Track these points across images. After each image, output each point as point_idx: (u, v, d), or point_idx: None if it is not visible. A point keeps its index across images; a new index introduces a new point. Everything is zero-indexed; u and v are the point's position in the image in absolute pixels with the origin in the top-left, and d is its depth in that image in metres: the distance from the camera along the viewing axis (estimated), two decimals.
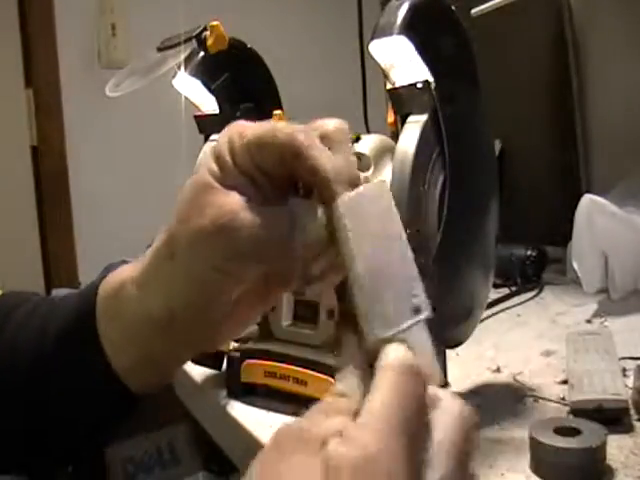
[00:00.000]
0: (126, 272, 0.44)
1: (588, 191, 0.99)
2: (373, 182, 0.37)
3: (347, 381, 0.32)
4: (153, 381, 0.46)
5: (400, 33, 0.56)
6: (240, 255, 0.38)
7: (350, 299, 0.34)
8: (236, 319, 0.43)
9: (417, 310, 0.34)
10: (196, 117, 0.81)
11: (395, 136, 0.60)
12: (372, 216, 0.36)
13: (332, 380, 0.60)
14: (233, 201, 0.38)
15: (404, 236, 0.35)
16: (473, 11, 1.01)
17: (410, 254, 0.35)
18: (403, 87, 0.59)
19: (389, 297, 0.33)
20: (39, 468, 0.50)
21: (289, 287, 0.43)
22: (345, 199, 0.35)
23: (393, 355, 0.31)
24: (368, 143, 0.64)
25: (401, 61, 0.58)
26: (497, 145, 1.43)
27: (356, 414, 0.30)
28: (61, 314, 0.47)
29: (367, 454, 0.28)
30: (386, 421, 0.29)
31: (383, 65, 0.60)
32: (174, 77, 0.78)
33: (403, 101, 0.59)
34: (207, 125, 0.80)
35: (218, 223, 0.37)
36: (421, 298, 0.34)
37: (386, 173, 0.62)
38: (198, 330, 0.42)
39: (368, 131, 1.33)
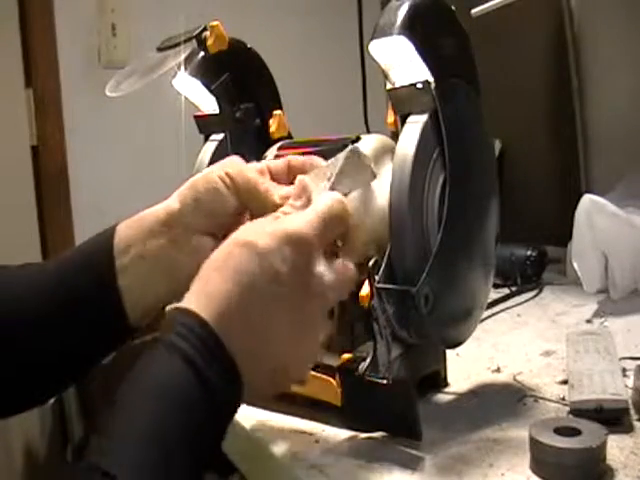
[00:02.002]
0: None
1: (588, 191, 0.99)
2: None
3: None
4: (139, 291, 0.52)
5: (400, 33, 0.56)
6: (234, 180, 0.52)
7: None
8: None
9: None
10: (196, 117, 0.81)
11: (395, 136, 0.60)
12: None
13: (332, 380, 0.60)
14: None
15: None
16: (473, 11, 1.01)
17: None
18: (403, 87, 0.59)
19: None
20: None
21: None
22: None
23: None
24: (368, 143, 0.64)
25: (401, 61, 0.58)
26: (497, 145, 1.43)
27: None
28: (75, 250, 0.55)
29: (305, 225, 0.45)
30: (322, 215, 0.46)
31: (383, 65, 0.59)
32: (174, 77, 0.78)
33: (403, 101, 0.59)
34: (207, 125, 0.80)
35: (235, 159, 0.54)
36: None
37: (386, 173, 0.62)
38: (183, 233, 0.51)
39: (368, 131, 1.33)
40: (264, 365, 0.43)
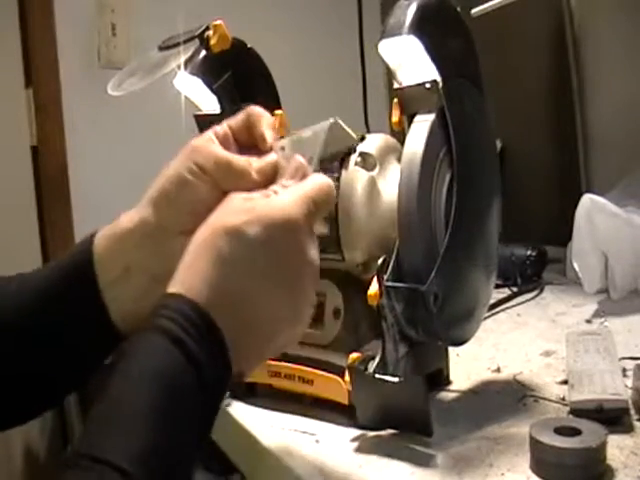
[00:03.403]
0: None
1: (588, 191, 0.99)
2: None
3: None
4: (130, 303, 0.51)
5: (410, 33, 0.56)
6: (204, 168, 0.50)
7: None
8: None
9: None
10: (196, 116, 0.81)
11: (397, 135, 0.60)
12: None
13: (339, 379, 0.60)
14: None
15: None
16: (473, 11, 1.01)
17: None
18: (411, 87, 0.59)
19: None
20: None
21: None
22: None
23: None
24: (373, 142, 0.64)
25: (410, 61, 0.59)
26: (497, 145, 1.43)
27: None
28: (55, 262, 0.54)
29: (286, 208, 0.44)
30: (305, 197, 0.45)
31: (392, 65, 0.60)
32: (175, 76, 0.78)
33: (411, 100, 0.59)
34: (207, 124, 0.80)
35: (197, 143, 0.52)
36: None
37: (391, 172, 0.62)
38: (166, 238, 0.50)
39: (368, 131, 1.33)
40: (257, 340, 0.44)
